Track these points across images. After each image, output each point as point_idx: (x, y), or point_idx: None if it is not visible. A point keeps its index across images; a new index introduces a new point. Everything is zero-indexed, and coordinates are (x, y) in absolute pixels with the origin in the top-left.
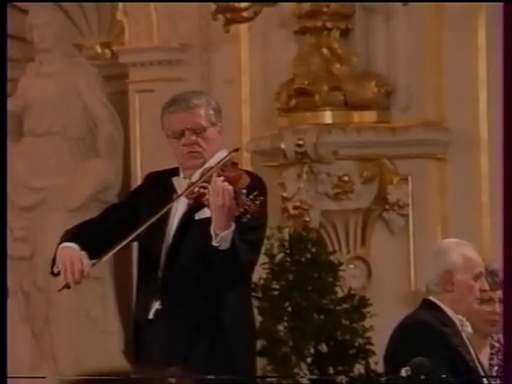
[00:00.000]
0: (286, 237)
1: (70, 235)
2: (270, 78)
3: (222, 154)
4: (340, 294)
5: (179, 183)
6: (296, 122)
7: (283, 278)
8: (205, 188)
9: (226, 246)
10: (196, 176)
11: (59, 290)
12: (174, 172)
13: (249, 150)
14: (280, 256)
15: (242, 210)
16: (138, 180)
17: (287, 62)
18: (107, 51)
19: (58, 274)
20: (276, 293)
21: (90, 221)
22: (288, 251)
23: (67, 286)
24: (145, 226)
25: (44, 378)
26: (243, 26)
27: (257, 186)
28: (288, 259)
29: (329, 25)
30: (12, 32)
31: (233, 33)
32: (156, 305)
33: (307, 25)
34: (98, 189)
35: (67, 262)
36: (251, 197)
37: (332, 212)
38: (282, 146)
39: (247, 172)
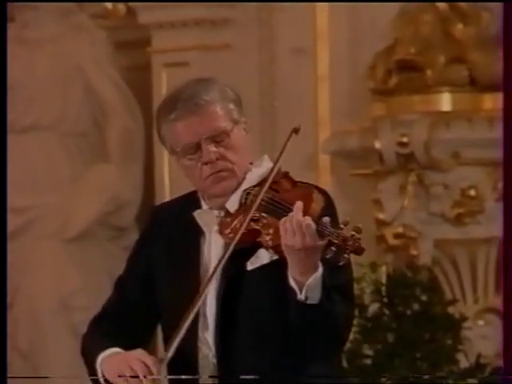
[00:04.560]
0: (383, 279)
1: (100, 339)
2: (359, 45)
3: (263, 164)
4: (464, 364)
5: (206, 219)
6: (398, 110)
7: (379, 339)
8: (256, 220)
9: (316, 297)
10: (233, 205)
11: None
12: (191, 200)
13: (327, 152)
14: (374, 307)
15: (334, 248)
16: (164, 195)
17: (385, 23)
18: (121, 6)
19: None
20: (369, 361)
21: (108, 310)
22: (386, 300)
23: None
24: (201, 297)
25: (46, 377)
26: None
27: (331, 205)
28: (386, 312)
29: None
30: None
31: None
32: None
33: None
34: (107, 208)
35: (126, 371)
36: (341, 226)
37: (452, 242)
38: (377, 145)
39: (309, 186)
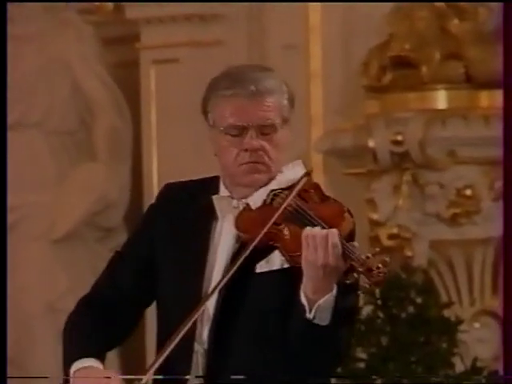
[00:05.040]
0: None
1: (80, 341)
2: (353, 41)
3: (295, 169)
4: (459, 368)
5: (222, 205)
6: (392, 108)
7: (373, 343)
8: (278, 224)
9: (325, 319)
10: (256, 201)
11: None
12: (208, 185)
13: (320, 150)
14: (368, 310)
15: (356, 275)
16: (153, 195)
17: (379, 18)
18: (109, 2)
19: None
20: (362, 365)
21: (95, 294)
22: (380, 303)
23: None
24: (215, 289)
25: (46, 377)
26: None
27: (355, 230)
28: (380, 315)
29: None
30: None
31: None
32: None
33: None
34: (94, 209)
35: None
36: (369, 254)
37: (447, 243)
38: (371, 143)
39: (341, 204)
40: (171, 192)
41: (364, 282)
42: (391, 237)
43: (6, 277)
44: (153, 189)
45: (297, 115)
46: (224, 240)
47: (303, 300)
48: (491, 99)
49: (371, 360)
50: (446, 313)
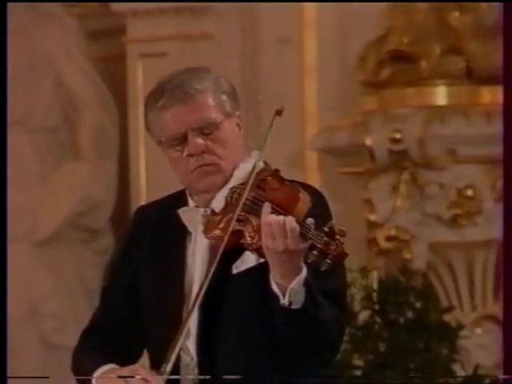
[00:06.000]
0: (375, 285)
1: (92, 355)
2: (349, 35)
3: (252, 160)
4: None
5: (191, 217)
6: (390, 104)
7: (370, 349)
8: (241, 220)
9: (299, 302)
10: (218, 203)
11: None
12: (178, 200)
13: (315, 149)
14: (365, 315)
15: (316, 252)
16: (140, 195)
17: (376, 11)
18: None
19: None
20: (359, 373)
21: (95, 324)
22: (377, 307)
23: None
24: (196, 301)
25: (47, 377)
26: None
27: (319, 205)
28: (377, 320)
29: None
30: None
31: None
32: None
33: None
34: (79, 209)
35: None
36: (325, 229)
37: (448, 245)
38: (368, 141)
39: (298, 184)
40: (143, 215)
41: (327, 258)
42: (389, 239)
43: (5, 277)
44: (140, 188)
45: (290, 112)
46: (199, 251)
47: (275, 288)
48: (493, 95)
49: (368, 368)
50: (447, 318)
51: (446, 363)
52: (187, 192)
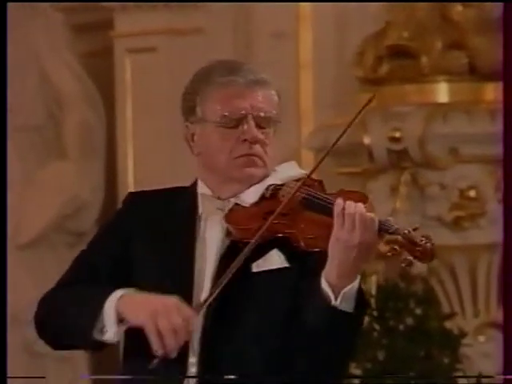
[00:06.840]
0: (373, 290)
1: (86, 287)
2: (347, 29)
3: (293, 168)
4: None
5: (208, 204)
6: (389, 102)
7: (368, 357)
8: (285, 214)
9: (349, 307)
10: (246, 198)
11: (151, 366)
12: (182, 192)
13: (311, 148)
14: (364, 321)
15: (410, 257)
16: None
17: (375, 4)
18: None
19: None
20: (357, 382)
21: (73, 278)
22: (376, 314)
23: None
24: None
25: (43, 377)
26: None
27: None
28: (376, 327)
29: None
30: None
31: None
32: None
33: None
34: (64, 211)
35: (162, 320)
36: (405, 231)
37: (450, 249)
38: (367, 140)
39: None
40: (138, 198)
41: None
42: (388, 242)
43: (5, 276)
44: (128, 189)
45: (285, 109)
46: (211, 239)
47: (325, 287)
48: (496, 92)
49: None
50: (448, 325)
51: (447, 372)
52: (201, 181)
